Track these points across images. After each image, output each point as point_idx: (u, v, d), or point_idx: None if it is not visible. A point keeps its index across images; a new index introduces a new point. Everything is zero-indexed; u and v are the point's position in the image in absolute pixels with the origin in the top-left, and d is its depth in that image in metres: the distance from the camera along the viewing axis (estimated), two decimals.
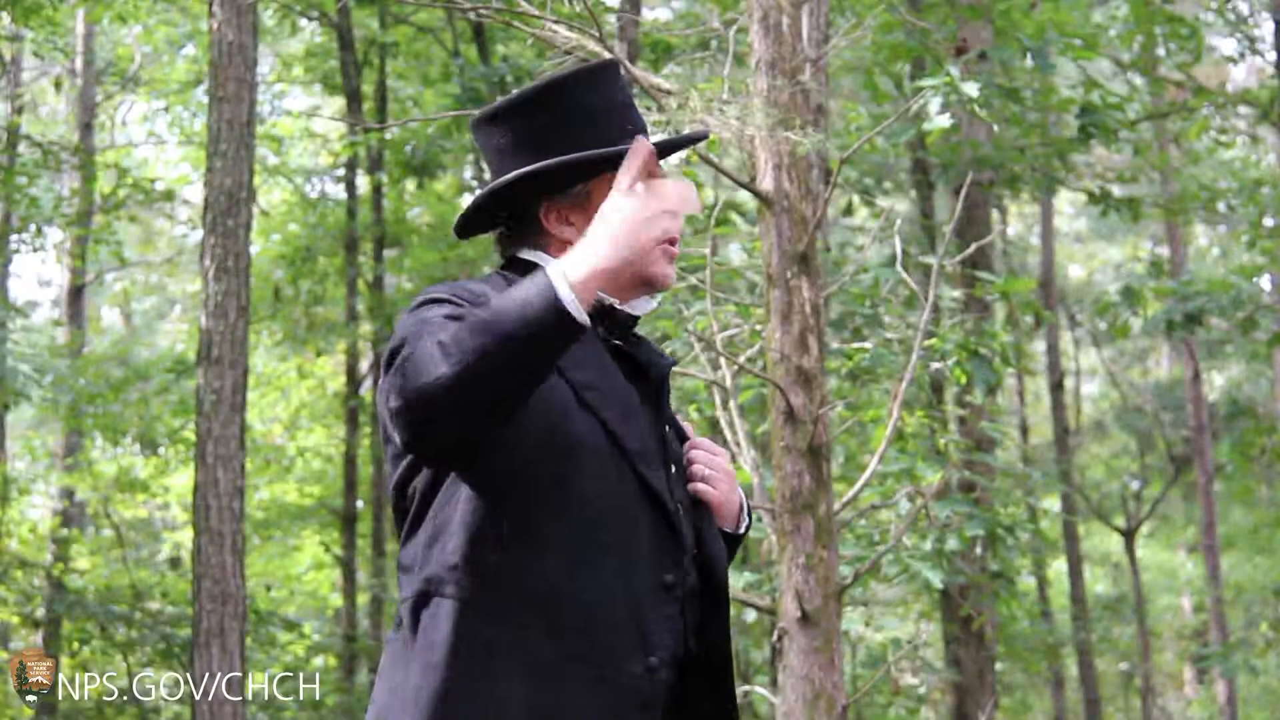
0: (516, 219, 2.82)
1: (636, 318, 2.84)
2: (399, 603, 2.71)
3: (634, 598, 2.68)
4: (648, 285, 2.72)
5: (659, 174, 2.58)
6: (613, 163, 2.67)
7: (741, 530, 2.97)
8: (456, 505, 2.64)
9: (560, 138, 2.77)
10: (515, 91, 2.82)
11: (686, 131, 2.94)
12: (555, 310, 2.37)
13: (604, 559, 2.65)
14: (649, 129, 2.89)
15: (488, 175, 2.87)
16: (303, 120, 19.83)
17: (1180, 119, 14.24)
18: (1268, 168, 18.02)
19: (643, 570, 2.70)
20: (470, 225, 2.90)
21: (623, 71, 2.86)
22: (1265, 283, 16.93)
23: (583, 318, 2.39)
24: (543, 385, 2.53)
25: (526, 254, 2.81)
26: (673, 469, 2.82)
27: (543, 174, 2.75)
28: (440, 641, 2.59)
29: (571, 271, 2.41)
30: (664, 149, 2.78)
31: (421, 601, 2.63)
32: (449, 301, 2.62)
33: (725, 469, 2.91)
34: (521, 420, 2.53)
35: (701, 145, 5.55)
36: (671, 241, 2.67)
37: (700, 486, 2.87)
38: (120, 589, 15.23)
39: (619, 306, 2.76)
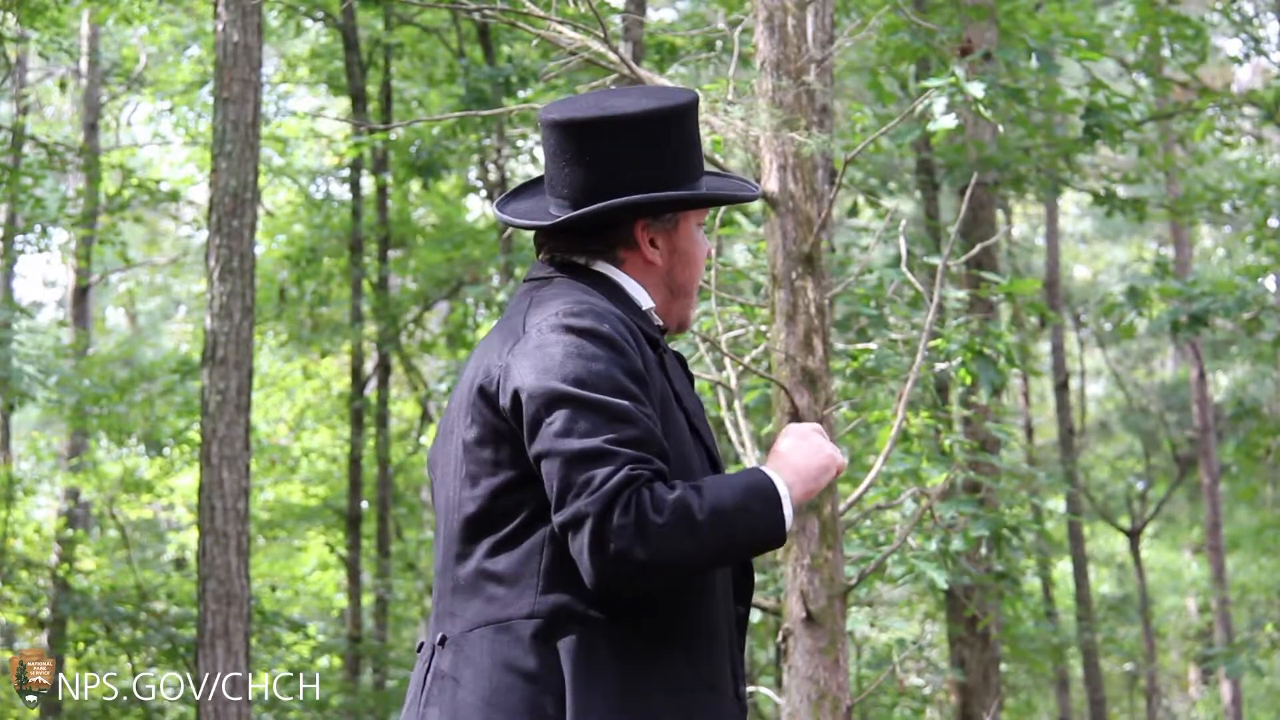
0: (598, 230, 2.83)
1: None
2: (491, 618, 2.66)
3: (730, 628, 2.78)
4: (681, 329, 2.94)
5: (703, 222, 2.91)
6: (713, 202, 2.88)
7: None
8: None
9: (664, 166, 2.81)
10: (615, 106, 2.81)
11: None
12: (779, 539, 2.61)
13: (712, 589, 2.73)
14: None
15: (555, 171, 2.84)
16: (308, 121, 19.82)
17: (1185, 120, 14.21)
18: (1273, 168, 17.98)
19: (729, 602, 2.80)
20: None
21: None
22: (1270, 283, 16.92)
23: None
24: (671, 413, 2.71)
25: (603, 268, 2.84)
26: None
27: (658, 200, 2.80)
28: (600, 665, 2.60)
29: (790, 507, 2.62)
30: (713, 202, 2.91)
31: (557, 624, 2.61)
32: (614, 360, 2.63)
33: None
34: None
35: (707, 147, 5.55)
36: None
37: None
38: (125, 590, 15.23)
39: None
